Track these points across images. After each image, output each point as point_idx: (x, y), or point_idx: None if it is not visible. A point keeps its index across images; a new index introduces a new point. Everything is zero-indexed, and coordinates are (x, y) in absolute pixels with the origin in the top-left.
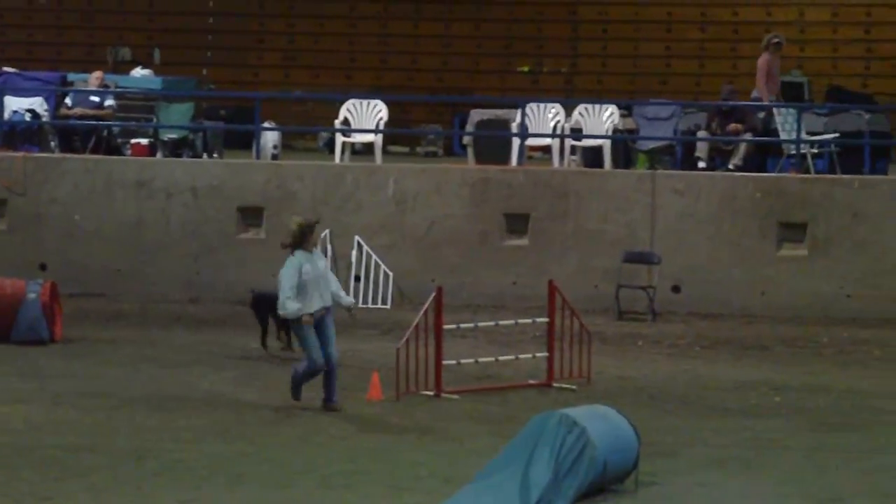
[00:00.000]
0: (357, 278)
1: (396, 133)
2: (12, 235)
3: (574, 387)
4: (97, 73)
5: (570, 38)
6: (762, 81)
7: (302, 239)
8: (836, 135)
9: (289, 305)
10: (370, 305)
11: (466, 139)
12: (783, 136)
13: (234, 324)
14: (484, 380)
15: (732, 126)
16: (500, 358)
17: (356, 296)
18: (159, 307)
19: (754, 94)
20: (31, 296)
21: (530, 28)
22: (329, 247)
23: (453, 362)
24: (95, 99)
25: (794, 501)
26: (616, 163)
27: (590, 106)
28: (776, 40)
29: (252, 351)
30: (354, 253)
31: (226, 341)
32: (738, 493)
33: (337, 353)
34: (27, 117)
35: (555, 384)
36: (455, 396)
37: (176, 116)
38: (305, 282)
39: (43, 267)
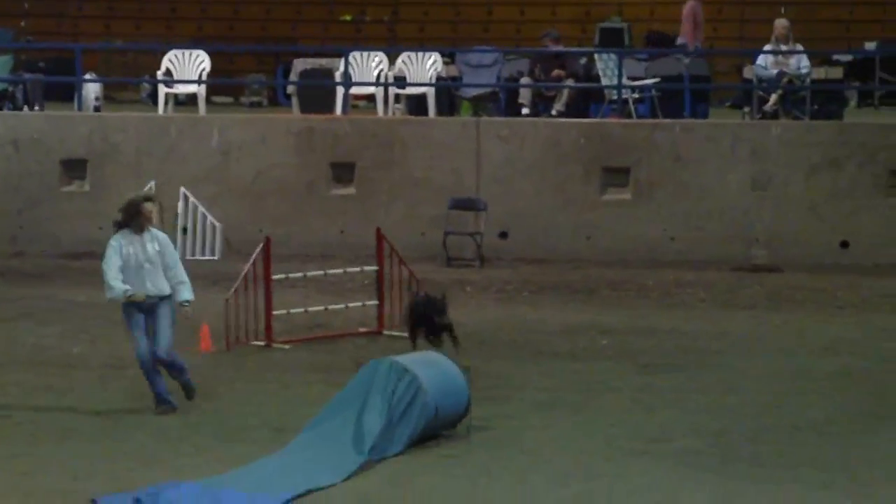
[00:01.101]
0: (184, 230)
1: (220, 83)
2: None
3: (405, 334)
4: None
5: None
6: (688, 27)
7: (127, 218)
8: (657, 79)
9: (114, 285)
10: (198, 257)
11: (291, 89)
12: (605, 81)
13: (59, 277)
14: (314, 329)
15: (556, 72)
16: (330, 307)
17: (184, 248)
18: None
19: (680, 40)
20: None
21: None
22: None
23: (283, 312)
24: None
25: (622, 442)
26: (440, 110)
27: (413, 54)
28: None
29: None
30: (181, 205)
31: (51, 295)
32: (567, 435)
33: (167, 351)
34: None
35: (385, 332)
36: (286, 346)
37: None
38: (127, 266)
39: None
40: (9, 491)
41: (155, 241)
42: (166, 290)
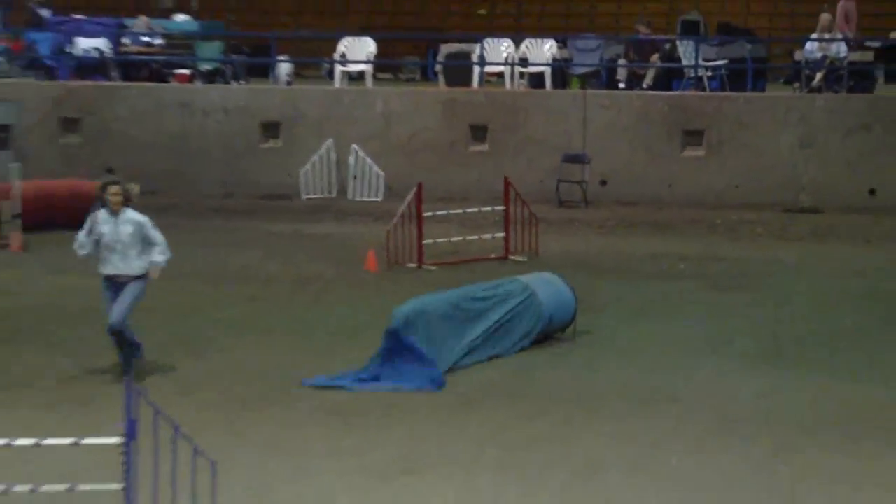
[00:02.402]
0: (354, 177)
1: (383, 63)
2: (86, 146)
3: (525, 259)
4: (143, 18)
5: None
6: (842, 22)
7: (98, 200)
8: (726, 61)
9: (76, 247)
10: (365, 198)
11: (438, 68)
12: (685, 62)
13: (258, 213)
14: (455, 255)
15: (654, 56)
16: (468, 237)
17: (354, 191)
18: (200, 200)
19: (837, 33)
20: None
21: None
22: (333, 153)
23: (431, 241)
24: (147, 38)
25: (696, 344)
26: (555, 85)
27: (533, 40)
28: None
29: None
30: (352, 158)
31: (253, 227)
32: (653, 338)
33: (119, 319)
34: (94, 54)
35: (510, 257)
36: (433, 268)
37: (209, 52)
38: (102, 243)
39: (110, 170)
40: (224, 372)
41: (128, 223)
42: (136, 272)
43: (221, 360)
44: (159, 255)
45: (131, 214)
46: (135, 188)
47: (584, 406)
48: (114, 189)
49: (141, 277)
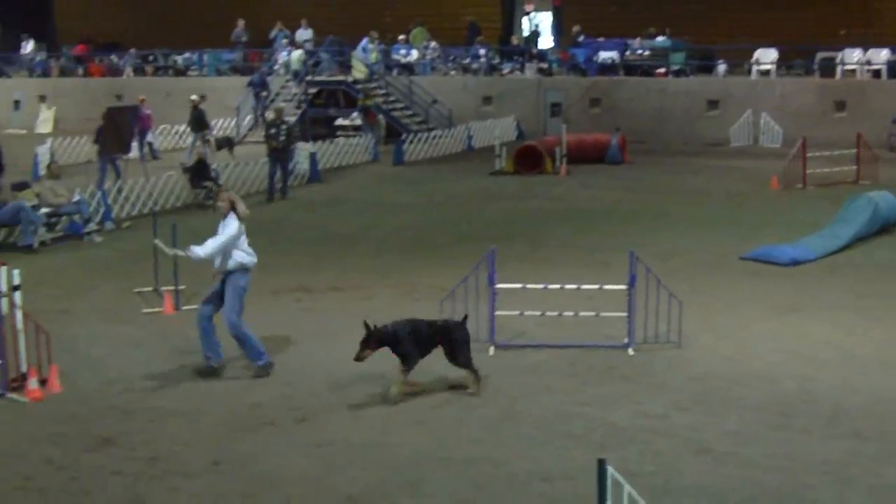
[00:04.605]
0: (763, 133)
1: (781, 64)
2: (604, 116)
3: (869, 182)
4: (638, 39)
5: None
6: None
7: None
8: None
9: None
10: (769, 145)
11: (815, 67)
12: None
13: (704, 155)
14: (825, 179)
15: None
16: (833, 169)
17: (762, 140)
18: (669, 147)
19: None
20: (613, 141)
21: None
22: (750, 118)
23: (811, 171)
24: (639, 50)
25: None
26: (889, 75)
27: (874, 49)
28: None
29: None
30: (762, 121)
31: (700, 163)
32: None
33: (227, 321)
34: (609, 60)
35: (860, 182)
36: (812, 187)
37: (677, 59)
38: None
39: (617, 129)
40: (680, 249)
41: (224, 227)
42: (227, 267)
43: (681, 239)
44: (197, 248)
45: (229, 220)
46: (242, 205)
47: None
48: (223, 195)
49: (233, 272)
